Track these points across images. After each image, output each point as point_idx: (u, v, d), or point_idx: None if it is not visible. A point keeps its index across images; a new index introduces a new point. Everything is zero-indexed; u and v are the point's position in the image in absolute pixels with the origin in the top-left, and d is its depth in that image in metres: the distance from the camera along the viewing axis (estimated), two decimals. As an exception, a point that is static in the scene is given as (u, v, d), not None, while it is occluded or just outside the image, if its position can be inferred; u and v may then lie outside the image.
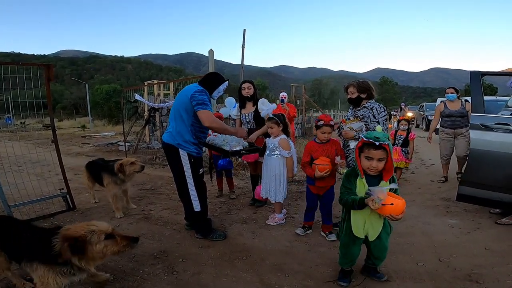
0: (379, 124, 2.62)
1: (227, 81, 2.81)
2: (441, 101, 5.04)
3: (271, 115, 3.03)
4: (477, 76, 3.02)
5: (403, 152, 4.70)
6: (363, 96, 2.78)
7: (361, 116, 2.77)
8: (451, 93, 4.47)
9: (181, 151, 2.61)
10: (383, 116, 2.69)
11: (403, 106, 14.65)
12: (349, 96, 2.86)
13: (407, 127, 4.79)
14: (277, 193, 3.01)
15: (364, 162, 1.84)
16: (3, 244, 1.87)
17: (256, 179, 3.76)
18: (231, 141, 2.90)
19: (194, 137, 2.66)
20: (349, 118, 2.86)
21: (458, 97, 4.53)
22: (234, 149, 2.75)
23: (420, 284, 2.05)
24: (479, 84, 3.00)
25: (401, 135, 4.77)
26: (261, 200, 3.69)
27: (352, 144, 2.77)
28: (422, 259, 2.36)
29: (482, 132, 2.89)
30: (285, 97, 5.68)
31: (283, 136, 2.99)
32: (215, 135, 2.99)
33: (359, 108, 2.82)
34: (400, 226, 3.00)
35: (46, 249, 1.66)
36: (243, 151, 2.84)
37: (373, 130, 2.50)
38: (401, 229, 2.93)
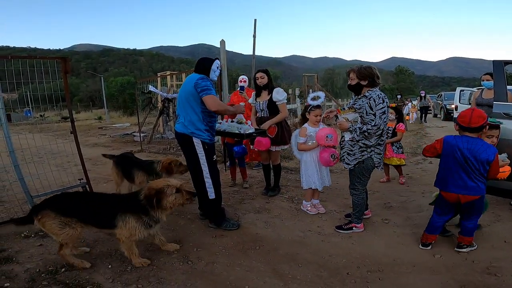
0: (375, 117, 2.41)
1: (216, 59, 2.83)
2: (477, 89, 4.61)
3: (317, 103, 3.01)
4: (500, 64, 2.99)
5: (394, 147, 4.17)
6: (363, 83, 2.53)
7: (357, 107, 2.53)
8: (487, 80, 3.94)
9: (194, 139, 2.66)
10: (381, 108, 2.41)
11: (422, 95, 13.13)
12: (349, 82, 2.65)
13: (394, 117, 4.18)
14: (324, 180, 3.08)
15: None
16: (91, 213, 2.18)
17: (268, 169, 3.76)
18: (233, 127, 3.14)
19: (205, 124, 2.70)
20: (344, 108, 2.65)
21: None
22: (247, 132, 2.99)
23: (437, 276, 2.02)
24: (502, 73, 2.97)
25: (389, 127, 4.11)
26: (273, 190, 3.71)
27: (347, 136, 2.60)
28: (439, 251, 2.31)
29: (505, 121, 2.81)
30: (244, 82, 4.53)
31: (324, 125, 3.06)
32: (220, 123, 3.14)
33: (359, 97, 2.58)
34: (416, 217, 2.96)
35: (136, 202, 2.12)
36: (254, 134, 3.09)
37: (369, 122, 2.42)
38: (417, 220, 2.88)
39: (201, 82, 2.58)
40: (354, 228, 2.68)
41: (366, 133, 2.46)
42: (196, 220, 3.04)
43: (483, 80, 4.08)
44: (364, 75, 2.51)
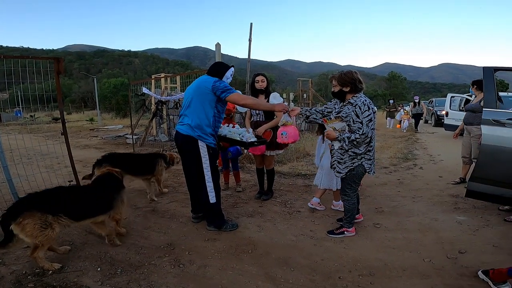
0: (362, 125, 2.39)
1: (232, 67, 2.84)
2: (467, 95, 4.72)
3: None
4: (490, 71, 2.98)
5: None
6: (345, 89, 2.49)
7: (344, 115, 2.49)
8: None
9: (200, 143, 2.64)
10: (367, 115, 2.38)
11: (416, 100, 11.94)
12: (332, 89, 2.61)
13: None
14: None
15: None
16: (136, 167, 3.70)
17: (262, 173, 3.76)
18: (235, 133, 3.08)
19: (212, 129, 2.70)
20: (330, 118, 2.58)
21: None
22: (250, 141, 2.94)
23: (426, 280, 2.03)
24: (492, 79, 2.96)
25: None
26: (267, 194, 3.71)
27: (336, 145, 2.57)
28: (429, 255, 2.34)
29: (494, 128, 2.84)
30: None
31: None
32: (220, 127, 3.05)
33: (344, 104, 2.53)
34: (406, 222, 2.99)
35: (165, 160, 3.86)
36: (256, 143, 3.00)
37: (357, 131, 2.41)
38: (407, 225, 2.91)
39: (219, 85, 2.58)
40: (345, 232, 2.69)
41: (354, 142, 2.44)
42: (189, 224, 3.02)
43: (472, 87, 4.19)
44: (345, 81, 2.47)
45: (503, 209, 3.16)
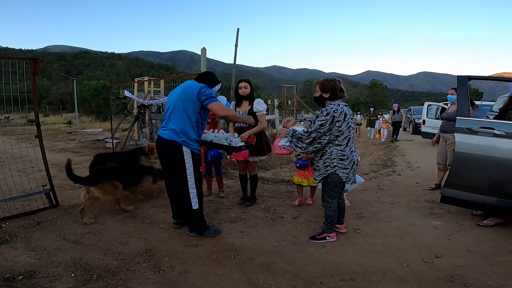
0: (312, 124, 2.50)
1: (220, 83, 2.93)
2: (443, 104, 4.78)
3: None
4: (464, 80, 3.07)
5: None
6: (325, 95, 2.54)
7: (311, 120, 2.64)
8: (452, 94, 4.14)
9: (184, 149, 2.61)
10: (321, 120, 2.43)
11: (396, 108, 11.51)
12: (314, 94, 2.68)
13: None
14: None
15: None
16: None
17: (245, 179, 3.75)
18: (221, 138, 3.07)
19: (197, 134, 2.70)
20: (300, 122, 2.77)
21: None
22: (238, 145, 2.98)
23: (404, 285, 2.08)
24: (465, 88, 3.05)
25: None
26: (250, 200, 3.70)
27: (283, 141, 2.83)
28: (407, 259, 2.40)
29: (467, 136, 2.95)
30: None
31: None
32: (205, 132, 3.06)
33: (322, 110, 2.55)
34: (385, 227, 3.06)
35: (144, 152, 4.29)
36: (244, 147, 3.06)
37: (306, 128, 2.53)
38: (386, 230, 2.98)
39: (205, 91, 2.61)
40: (327, 237, 2.72)
41: (297, 136, 2.53)
42: (169, 229, 2.95)
43: (448, 94, 4.29)
44: (327, 88, 2.53)
45: (476, 214, 3.30)
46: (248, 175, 3.70)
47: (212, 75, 2.87)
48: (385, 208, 3.64)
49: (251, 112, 3.44)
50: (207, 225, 2.86)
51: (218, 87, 2.90)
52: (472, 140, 2.93)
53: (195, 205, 2.69)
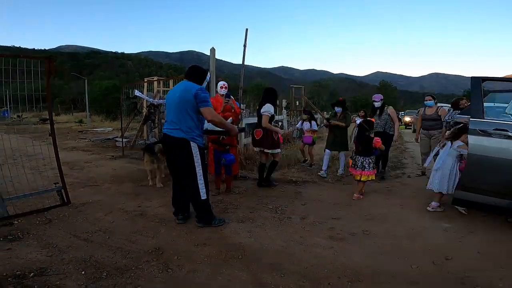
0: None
1: (209, 74, 3.27)
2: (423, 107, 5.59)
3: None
4: (477, 81, 3.03)
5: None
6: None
7: None
8: (429, 100, 5.26)
9: (192, 144, 2.85)
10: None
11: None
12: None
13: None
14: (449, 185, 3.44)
15: None
16: None
17: (263, 167, 4.36)
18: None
19: (200, 129, 2.95)
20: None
21: (436, 104, 5.31)
22: (241, 127, 3.58)
23: (414, 287, 2.05)
24: (479, 89, 3.00)
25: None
26: (266, 180, 4.44)
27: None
28: (416, 262, 2.36)
29: (481, 138, 2.90)
30: (226, 88, 4.31)
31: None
32: None
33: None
34: (396, 228, 3.02)
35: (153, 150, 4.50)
36: (239, 130, 3.37)
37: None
38: (396, 231, 2.94)
39: (201, 94, 2.80)
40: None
41: None
42: (178, 228, 2.98)
43: (425, 100, 5.27)
44: None
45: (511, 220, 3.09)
46: (268, 164, 4.46)
47: (200, 70, 3.07)
48: (394, 210, 3.60)
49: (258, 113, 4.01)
50: (213, 215, 3.06)
51: (208, 77, 3.21)
52: (486, 142, 2.88)
53: (203, 195, 2.90)
